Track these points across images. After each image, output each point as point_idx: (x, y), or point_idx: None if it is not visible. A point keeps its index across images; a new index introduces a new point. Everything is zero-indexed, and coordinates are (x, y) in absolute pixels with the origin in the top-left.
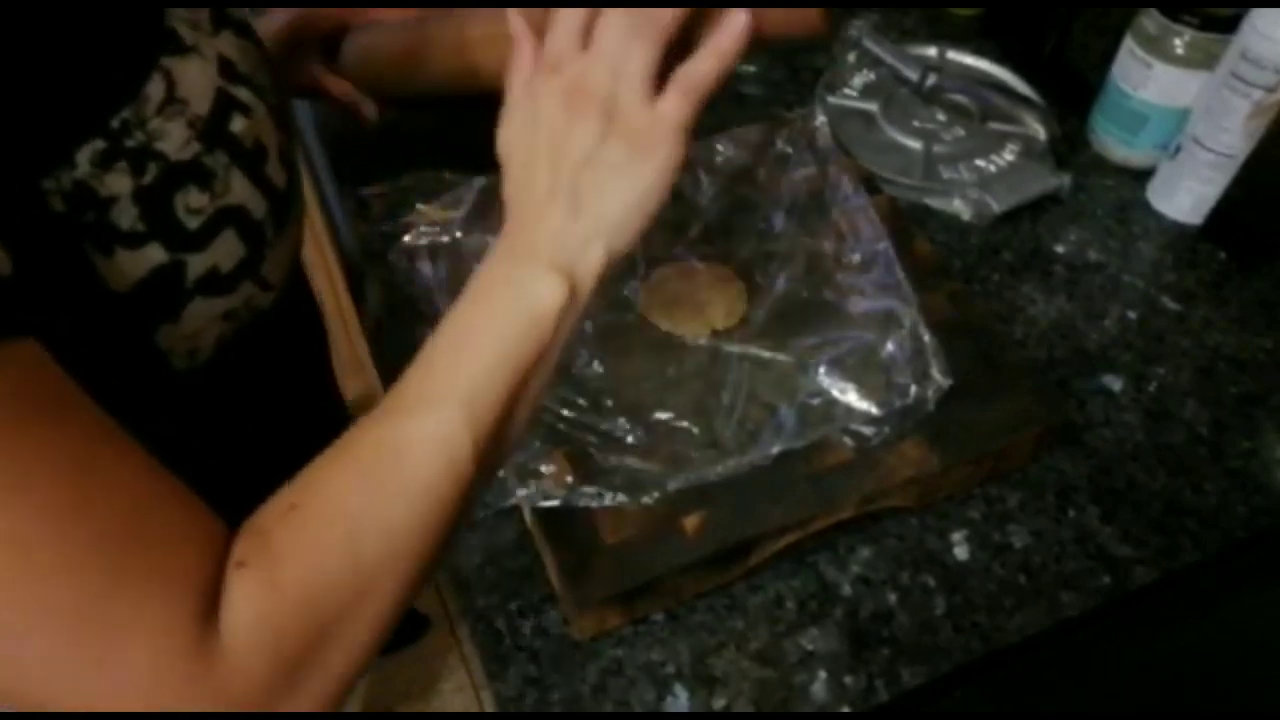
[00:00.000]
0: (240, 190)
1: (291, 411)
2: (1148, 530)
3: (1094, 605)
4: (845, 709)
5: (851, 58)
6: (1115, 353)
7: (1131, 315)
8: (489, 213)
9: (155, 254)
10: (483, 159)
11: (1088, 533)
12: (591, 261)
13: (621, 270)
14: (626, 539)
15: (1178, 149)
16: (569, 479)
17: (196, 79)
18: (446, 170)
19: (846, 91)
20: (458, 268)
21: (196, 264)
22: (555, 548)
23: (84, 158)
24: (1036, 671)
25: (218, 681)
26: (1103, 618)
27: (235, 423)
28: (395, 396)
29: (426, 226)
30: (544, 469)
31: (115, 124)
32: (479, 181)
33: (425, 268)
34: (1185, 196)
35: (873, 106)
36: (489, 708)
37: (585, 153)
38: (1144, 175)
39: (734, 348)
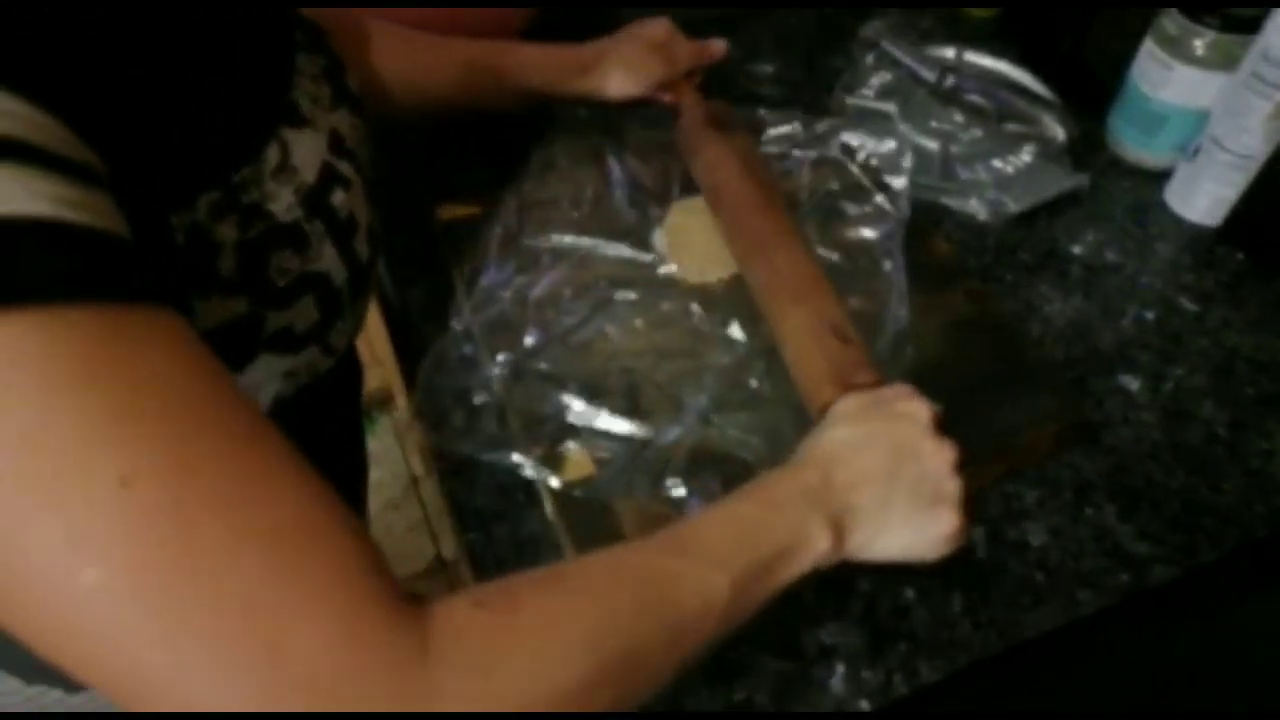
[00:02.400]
0: (328, 259)
1: (323, 461)
2: (1166, 529)
3: (1112, 603)
4: (863, 703)
5: (869, 59)
6: (1133, 352)
7: (1149, 315)
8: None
9: (239, 304)
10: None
11: (1105, 531)
12: (858, 548)
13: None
14: (648, 530)
15: (1196, 150)
16: (592, 469)
17: (308, 150)
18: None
19: (864, 92)
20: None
21: (274, 320)
22: (578, 539)
23: (204, 204)
24: (1054, 668)
25: (414, 686)
26: (1121, 615)
27: None
28: (669, 538)
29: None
30: (568, 458)
31: (236, 179)
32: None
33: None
34: (1203, 198)
35: (890, 107)
36: None
37: (921, 479)
38: (1161, 177)
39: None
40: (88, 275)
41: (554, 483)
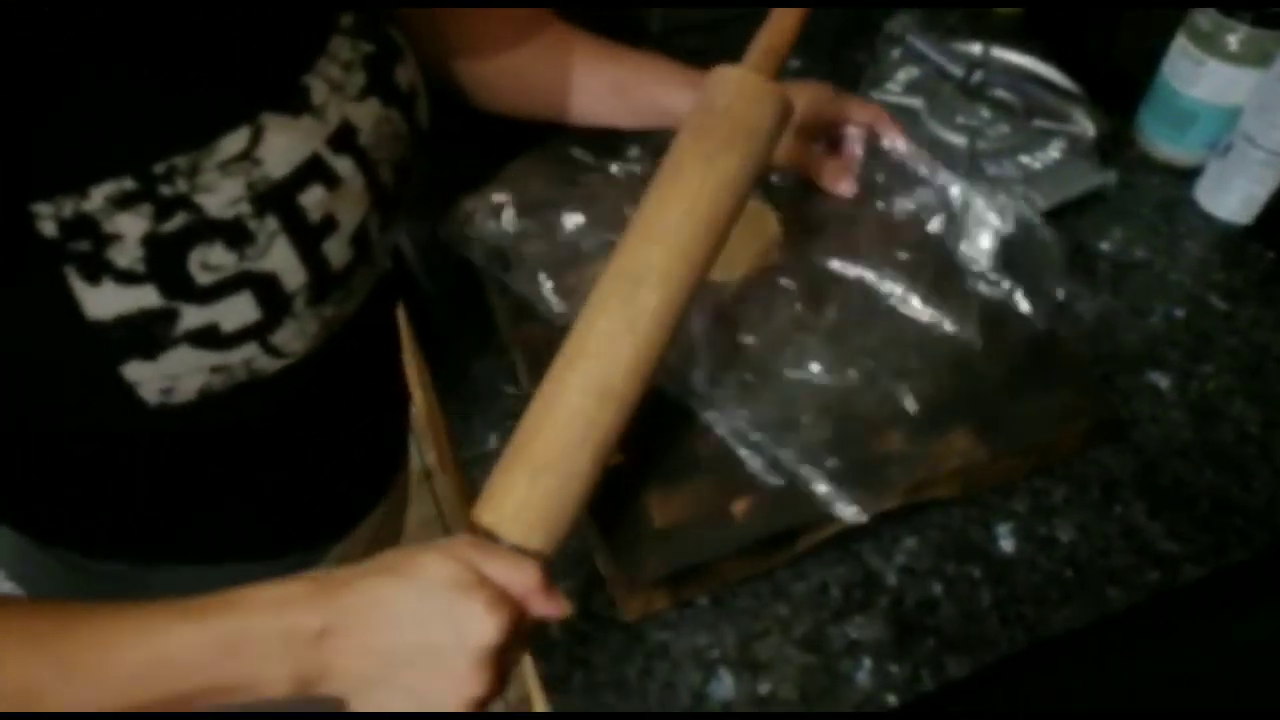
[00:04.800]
0: (279, 259)
1: (279, 474)
2: (1195, 527)
3: (1140, 601)
4: (890, 697)
5: (895, 54)
6: (1162, 350)
7: (1178, 313)
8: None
9: (147, 296)
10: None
11: (1134, 528)
12: (324, 695)
13: None
14: (676, 522)
15: (1228, 147)
16: (621, 457)
17: (289, 142)
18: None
19: (889, 87)
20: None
21: (192, 315)
22: (605, 529)
23: (100, 193)
24: (1082, 666)
25: None
26: (1149, 614)
27: (208, 466)
28: (82, 644)
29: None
30: None
31: (159, 169)
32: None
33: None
34: (1234, 196)
35: (916, 103)
36: (511, 701)
37: (424, 690)
38: (1191, 174)
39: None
40: None
41: None
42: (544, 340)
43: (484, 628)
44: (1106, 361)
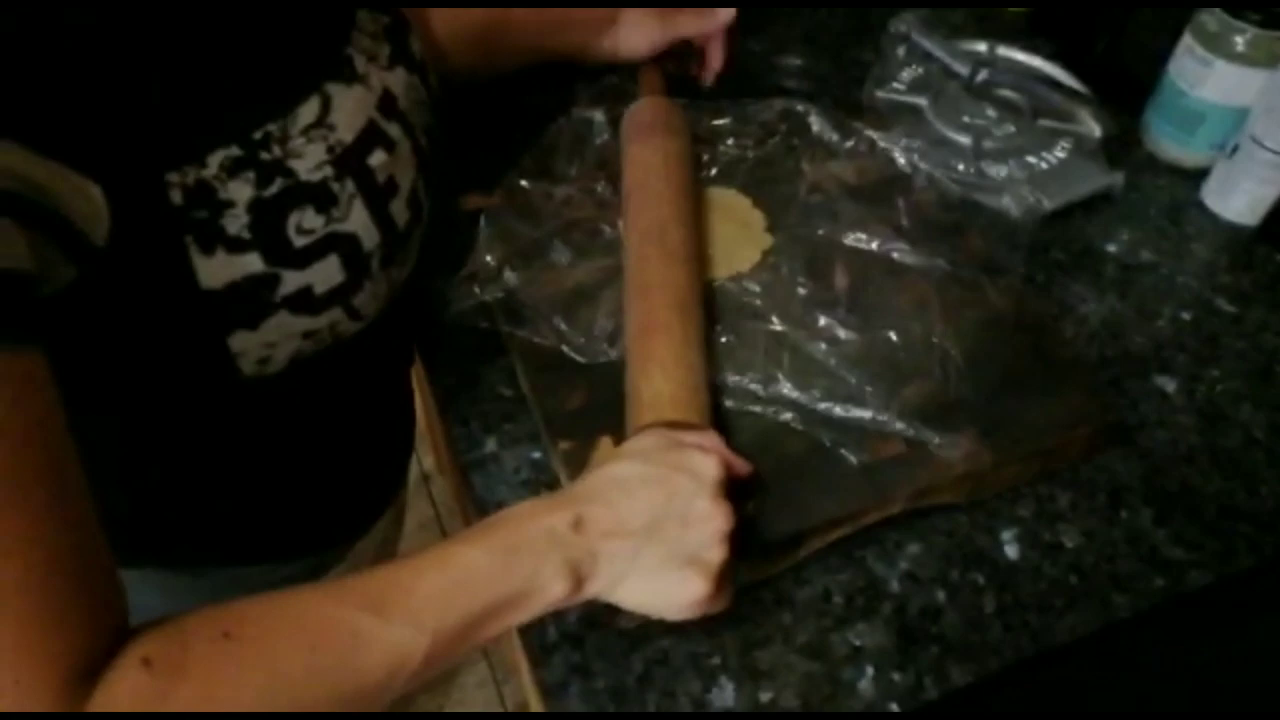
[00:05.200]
0: (357, 220)
1: (354, 437)
2: (1202, 533)
3: (1147, 608)
4: (893, 706)
5: (900, 52)
6: (1169, 353)
7: (1185, 316)
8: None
9: (253, 263)
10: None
11: (1140, 534)
12: (597, 594)
13: None
14: None
15: (1235, 149)
16: None
17: (352, 108)
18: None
19: (894, 86)
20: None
21: (291, 280)
22: None
23: (215, 161)
24: (1087, 673)
25: None
26: (1156, 620)
27: (292, 437)
28: (376, 587)
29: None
30: (593, 455)
31: (258, 135)
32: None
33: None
34: (1241, 197)
35: (921, 101)
36: (510, 705)
37: (679, 540)
38: (1198, 175)
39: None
40: None
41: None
42: (541, 344)
43: (707, 463)
44: (1113, 365)
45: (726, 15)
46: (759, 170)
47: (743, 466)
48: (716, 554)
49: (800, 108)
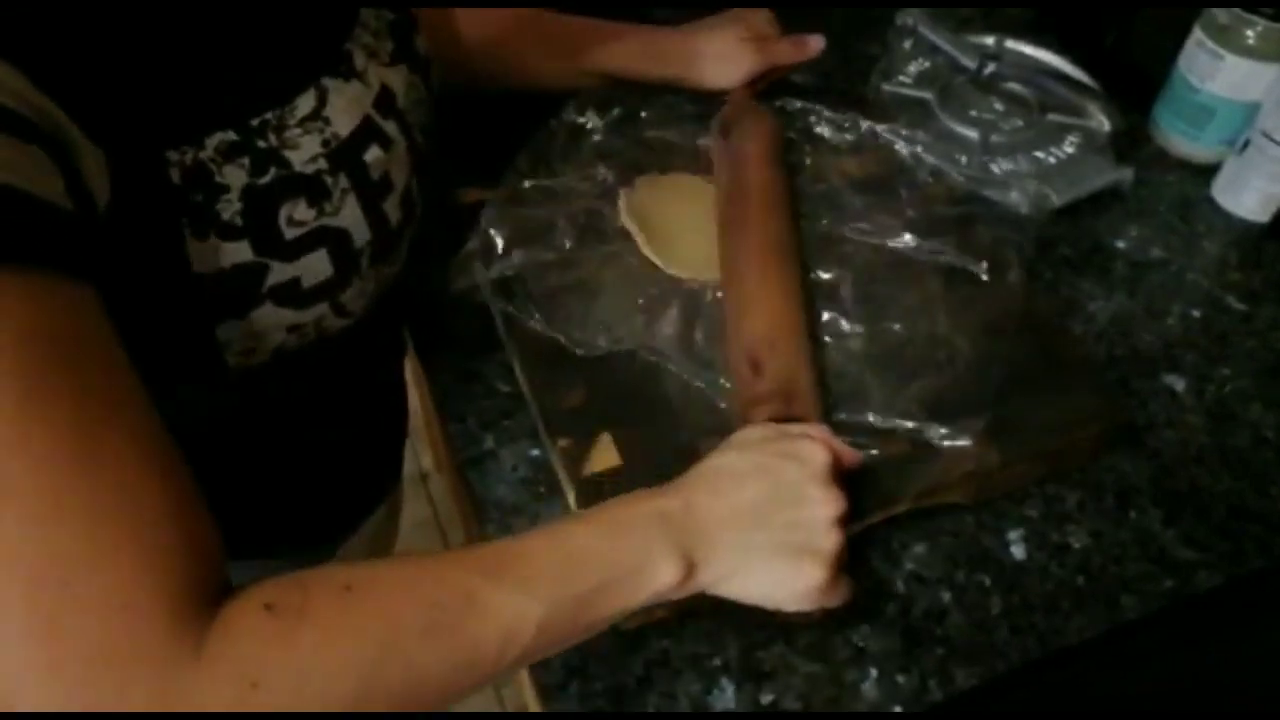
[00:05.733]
0: (349, 215)
1: (341, 433)
2: (1211, 534)
3: (1155, 609)
4: (897, 708)
5: (906, 45)
6: (1178, 352)
7: (1195, 314)
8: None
9: (242, 251)
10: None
11: (1149, 535)
12: (709, 584)
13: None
14: None
15: (1245, 144)
16: (619, 461)
17: (348, 103)
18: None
19: (901, 80)
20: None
21: (278, 271)
22: None
23: (213, 143)
24: (1095, 676)
25: (178, 685)
26: (1164, 622)
27: (277, 431)
28: (491, 554)
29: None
30: (593, 453)
31: (255, 122)
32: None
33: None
34: (1252, 193)
35: (928, 95)
36: (509, 706)
37: (793, 527)
38: (1208, 171)
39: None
40: None
41: (581, 474)
42: (540, 338)
43: (814, 450)
44: (1121, 364)
45: (818, 44)
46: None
47: (851, 456)
48: (831, 540)
49: (805, 102)
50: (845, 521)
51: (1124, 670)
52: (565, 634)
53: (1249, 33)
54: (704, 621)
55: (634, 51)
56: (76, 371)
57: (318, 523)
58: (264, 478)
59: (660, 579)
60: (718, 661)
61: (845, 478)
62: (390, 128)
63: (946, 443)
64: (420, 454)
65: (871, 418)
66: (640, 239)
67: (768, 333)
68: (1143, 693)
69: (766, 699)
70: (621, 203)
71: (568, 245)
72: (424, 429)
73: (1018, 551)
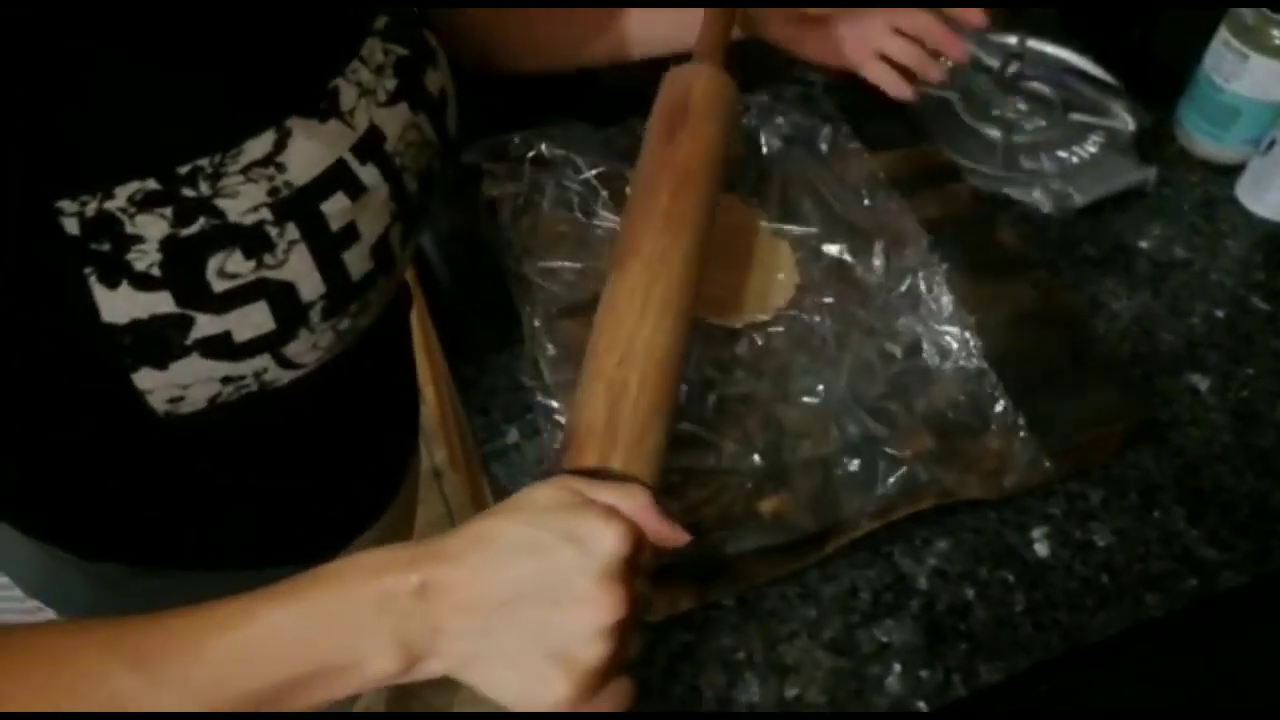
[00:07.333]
0: (297, 268)
1: (336, 443)
2: (1235, 533)
3: (1179, 608)
4: (920, 703)
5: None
6: (1202, 351)
7: (1219, 314)
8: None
9: (162, 302)
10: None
11: (1173, 533)
12: (442, 673)
13: None
14: (702, 520)
15: (1271, 144)
16: None
17: (316, 146)
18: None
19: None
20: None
21: (206, 324)
22: None
23: (125, 193)
24: (1118, 673)
25: None
26: (1188, 621)
27: (213, 474)
28: (153, 640)
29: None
30: None
31: (184, 170)
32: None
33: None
34: (1276, 194)
35: (951, 95)
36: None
37: (544, 629)
38: (1232, 171)
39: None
40: None
41: None
42: (561, 332)
43: (605, 535)
44: (1144, 362)
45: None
46: (782, 167)
47: (672, 538)
48: (590, 650)
49: (827, 102)
50: (624, 626)
51: (1147, 668)
52: None
53: (1275, 33)
54: (728, 615)
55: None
56: None
57: (323, 530)
58: (262, 489)
59: (368, 673)
60: (742, 655)
61: (871, 477)
62: (368, 174)
63: (969, 439)
64: (434, 451)
65: (895, 414)
66: None
67: (627, 360)
68: (1165, 690)
69: (791, 693)
70: None
71: (581, 253)
72: (438, 427)
73: (1041, 549)
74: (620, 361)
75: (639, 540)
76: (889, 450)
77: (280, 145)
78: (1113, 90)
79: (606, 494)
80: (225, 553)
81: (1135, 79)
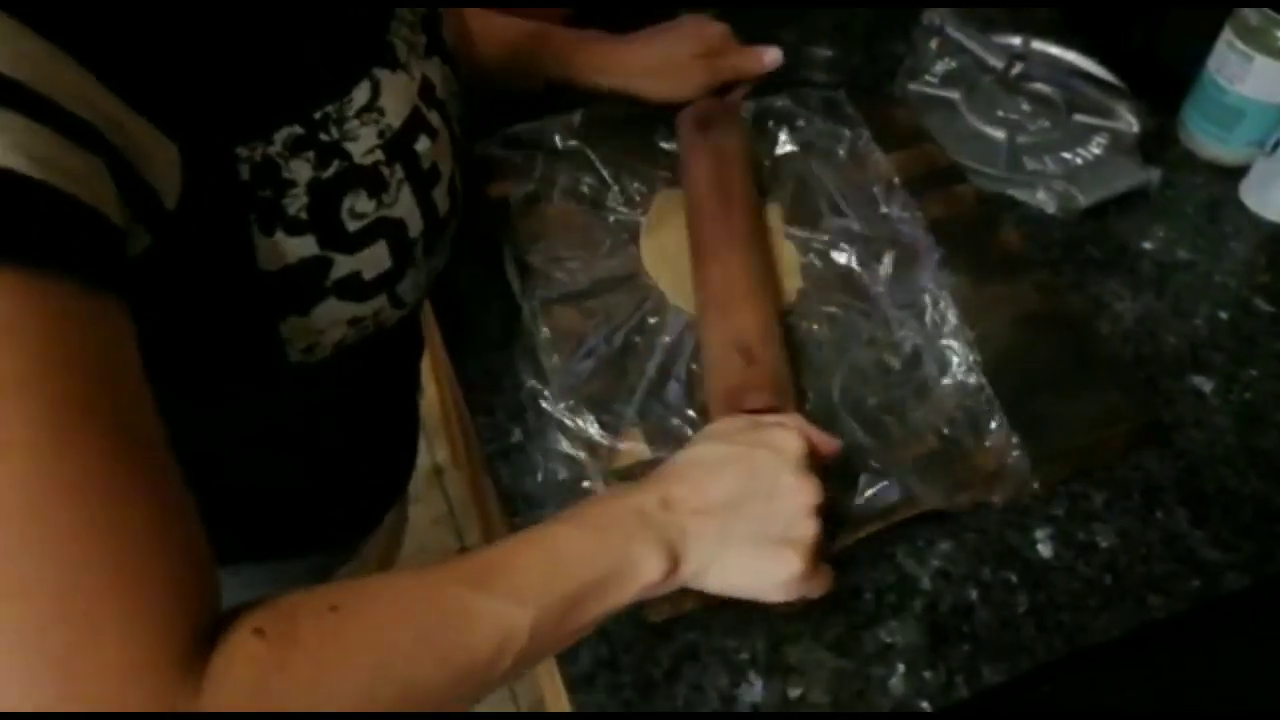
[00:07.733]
0: (405, 206)
1: (369, 429)
2: (1238, 535)
3: (1182, 610)
4: (924, 704)
5: (932, 45)
6: (1205, 353)
7: (1223, 315)
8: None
9: (308, 245)
10: None
11: (1176, 535)
12: (692, 577)
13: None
14: None
15: (1275, 146)
16: (647, 453)
17: (398, 94)
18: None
19: (927, 79)
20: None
21: (342, 265)
22: None
23: (280, 138)
24: (1121, 674)
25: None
26: (1191, 623)
27: (317, 428)
28: (476, 565)
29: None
30: (621, 445)
31: (318, 115)
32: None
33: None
34: None
35: (954, 95)
36: (523, 705)
37: (768, 516)
38: (1236, 173)
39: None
40: (34, 238)
41: (610, 466)
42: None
43: (788, 438)
44: (1148, 364)
45: (773, 57)
46: (796, 170)
47: (829, 444)
48: (807, 528)
49: (831, 101)
50: (823, 510)
51: (1150, 669)
52: (558, 636)
53: None
54: (732, 614)
55: (580, 62)
56: (107, 396)
57: (342, 520)
58: (296, 474)
59: (646, 575)
60: (745, 655)
61: (874, 479)
62: (434, 118)
63: (959, 456)
64: (435, 449)
65: (888, 426)
66: (662, 282)
67: (760, 325)
68: (1169, 692)
69: (794, 693)
70: (643, 242)
71: (586, 244)
72: (440, 424)
73: (1044, 550)
74: (742, 329)
75: (810, 441)
76: (873, 464)
77: (376, 92)
78: (1117, 91)
79: (769, 418)
80: (242, 544)
81: (1139, 80)
